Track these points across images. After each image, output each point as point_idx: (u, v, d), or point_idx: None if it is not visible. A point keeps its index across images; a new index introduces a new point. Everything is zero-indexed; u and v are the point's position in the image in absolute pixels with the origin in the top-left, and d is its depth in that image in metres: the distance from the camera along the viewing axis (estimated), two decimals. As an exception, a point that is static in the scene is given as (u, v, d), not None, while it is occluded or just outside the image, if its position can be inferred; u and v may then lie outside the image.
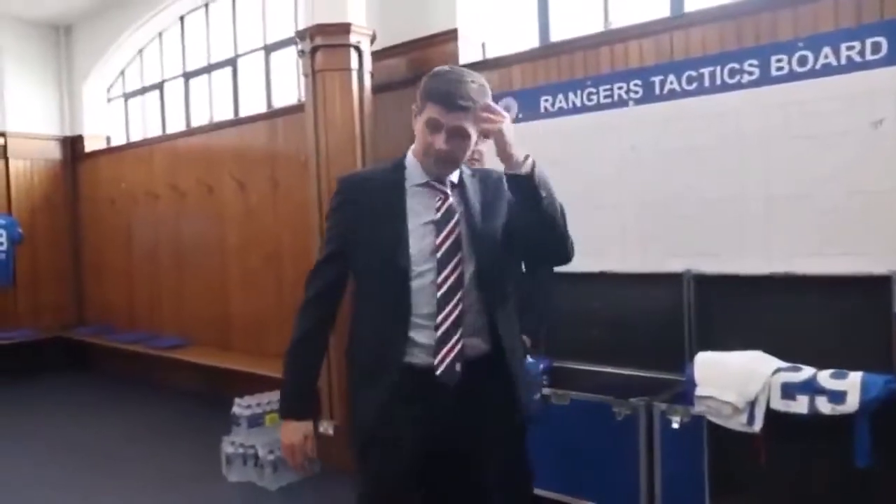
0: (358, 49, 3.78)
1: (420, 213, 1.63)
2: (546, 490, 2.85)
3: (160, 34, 6.64)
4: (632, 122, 3.18)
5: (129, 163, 6.71)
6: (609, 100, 3.26)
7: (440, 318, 1.58)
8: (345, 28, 3.71)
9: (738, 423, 2.46)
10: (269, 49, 5.50)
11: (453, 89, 1.54)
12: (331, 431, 3.84)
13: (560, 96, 3.42)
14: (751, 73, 2.86)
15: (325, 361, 1.84)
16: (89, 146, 7.22)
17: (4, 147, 6.90)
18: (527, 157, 1.54)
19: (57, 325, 7.11)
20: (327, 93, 3.75)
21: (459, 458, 1.67)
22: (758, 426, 2.42)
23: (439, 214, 1.63)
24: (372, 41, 3.88)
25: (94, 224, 7.18)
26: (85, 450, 4.47)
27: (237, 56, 5.79)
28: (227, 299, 5.67)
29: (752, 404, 2.43)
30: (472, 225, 1.66)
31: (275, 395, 3.86)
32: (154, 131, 6.75)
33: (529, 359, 2.78)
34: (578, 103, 3.35)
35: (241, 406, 3.93)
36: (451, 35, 3.98)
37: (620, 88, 3.22)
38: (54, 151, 7.25)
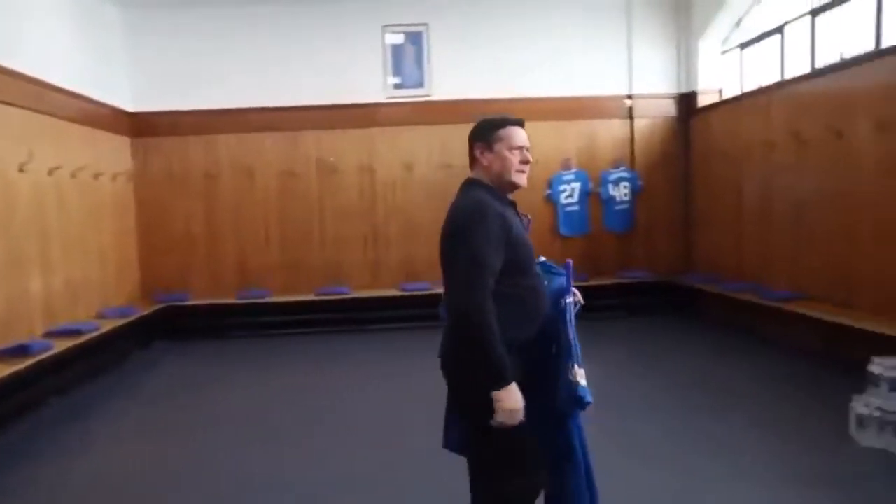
0: None
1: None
2: None
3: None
4: None
5: (743, 114, 6.65)
6: None
7: None
8: None
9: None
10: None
11: None
12: None
13: None
14: None
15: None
16: (702, 101, 7.46)
17: (631, 108, 7.75)
18: None
19: (667, 270, 7.72)
20: None
21: None
22: None
23: None
24: None
25: (705, 177, 7.42)
26: (688, 389, 4.70)
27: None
28: (851, 253, 5.09)
29: None
30: None
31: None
32: (770, 79, 6.46)
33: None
34: None
35: (883, 366, 3.53)
36: None
37: None
38: (670, 109, 7.76)
